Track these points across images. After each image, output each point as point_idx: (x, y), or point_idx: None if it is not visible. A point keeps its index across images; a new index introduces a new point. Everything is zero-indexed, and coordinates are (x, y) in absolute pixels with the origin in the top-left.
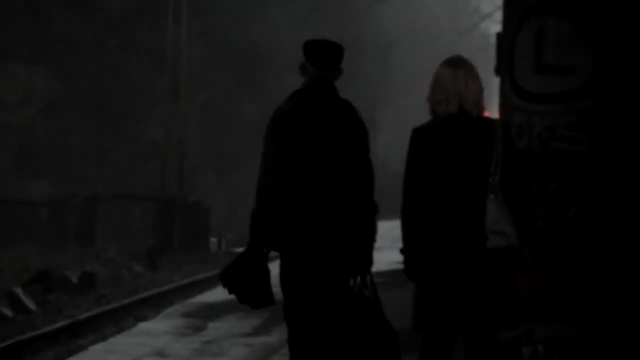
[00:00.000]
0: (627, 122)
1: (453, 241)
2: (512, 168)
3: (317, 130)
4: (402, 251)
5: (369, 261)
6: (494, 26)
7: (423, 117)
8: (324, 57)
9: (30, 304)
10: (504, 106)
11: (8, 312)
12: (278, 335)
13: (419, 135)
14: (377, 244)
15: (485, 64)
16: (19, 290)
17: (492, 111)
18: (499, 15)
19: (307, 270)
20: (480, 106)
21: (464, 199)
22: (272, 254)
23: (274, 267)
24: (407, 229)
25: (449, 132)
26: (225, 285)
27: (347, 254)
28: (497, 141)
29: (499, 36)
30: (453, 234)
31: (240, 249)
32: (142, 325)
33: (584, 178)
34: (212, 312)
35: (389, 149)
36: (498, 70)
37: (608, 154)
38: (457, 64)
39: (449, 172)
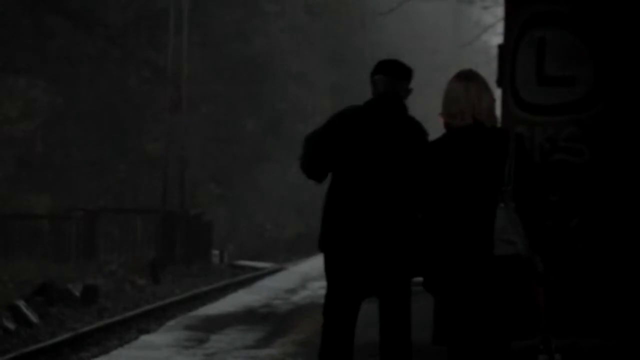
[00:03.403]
0: (628, 133)
1: (465, 251)
2: (526, 178)
3: (361, 134)
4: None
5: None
6: (496, 38)
7: (425, 128)
8: (395, 66)
9: (33, 317)
10: (505, 118)
11: (10, 325)
12: (281, 348)
13: (434, 150)
14: None
15: (487, 76)
16: (21, 304)
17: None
18: (500, 27)
19: (335, 263)
20: (493, 117)
21: (477, 209)
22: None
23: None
24: (424, 241)
25: (465, 143)
26: None
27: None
28: (510, 151)
29: (501, 48)
30: (466, 243)
31: (243, 262)
32: (145, 338)
33: (586, 189)
34: (215, 324)
35: None
36: (500, 82)
37: (609, 165)
38: (469, 77)
39: (463, 183)
